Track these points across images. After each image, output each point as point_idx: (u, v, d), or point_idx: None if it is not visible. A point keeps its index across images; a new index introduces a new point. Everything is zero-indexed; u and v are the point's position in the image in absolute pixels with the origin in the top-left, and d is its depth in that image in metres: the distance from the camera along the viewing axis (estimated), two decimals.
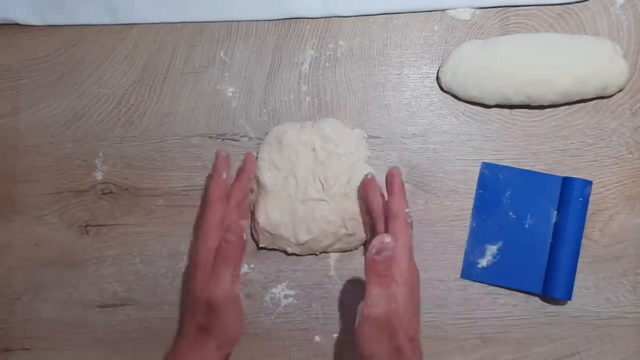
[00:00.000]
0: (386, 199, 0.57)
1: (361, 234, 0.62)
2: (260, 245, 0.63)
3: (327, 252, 0.63)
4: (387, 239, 0.49)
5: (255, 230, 0.63)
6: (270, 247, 0.63)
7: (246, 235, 0.53)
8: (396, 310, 0.51)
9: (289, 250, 0.62)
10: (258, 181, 0.63)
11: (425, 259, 0.62)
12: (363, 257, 0.63)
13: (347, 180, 0.61)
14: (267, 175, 0.62)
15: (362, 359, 0.52)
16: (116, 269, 0.65)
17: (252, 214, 0.63)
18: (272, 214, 0.62)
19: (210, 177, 0.60)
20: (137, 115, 0.66)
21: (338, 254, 0.63)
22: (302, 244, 0.62)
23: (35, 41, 0.68)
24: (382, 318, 0.50)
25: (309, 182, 0.62)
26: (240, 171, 0.62)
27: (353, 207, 0.61)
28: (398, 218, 0.54)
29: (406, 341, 0.51)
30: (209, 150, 0.65)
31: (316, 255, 0.63)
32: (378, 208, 0.58)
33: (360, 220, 0.62)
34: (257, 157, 0.63)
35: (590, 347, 0.61)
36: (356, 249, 0.63)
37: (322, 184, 0.61)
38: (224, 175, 0.59)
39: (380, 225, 0.58)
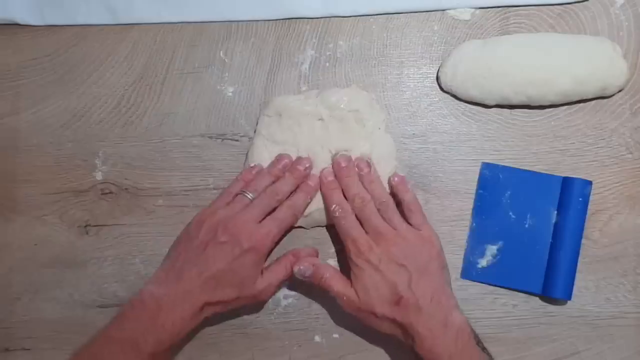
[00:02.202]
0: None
1: None
2: None
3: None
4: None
5: None
6: None
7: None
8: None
9: (295, 223, 0.61)
10: (247, 160, 0.63)
11: None
12: None
13: (369, 151, 0.61)
14: (259, 154, 0.62)
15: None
16: (116, 269, 0.65)
17: None
18: None
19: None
20: (137, 115, 0.66)
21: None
22: (307, 216, 0.61)
23: (35, 41, 0.68)
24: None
25: (315, 152, 0.61)
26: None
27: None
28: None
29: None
30: (209, 150, 0.65)
31: (324, 227, 0.62)
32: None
33: None
34: (255, 130, 0.63)
35: (590, 347, 0.61)
36: None
37: (332, 153, 0.61)
38: (307, 164, 0.60)
39: None
